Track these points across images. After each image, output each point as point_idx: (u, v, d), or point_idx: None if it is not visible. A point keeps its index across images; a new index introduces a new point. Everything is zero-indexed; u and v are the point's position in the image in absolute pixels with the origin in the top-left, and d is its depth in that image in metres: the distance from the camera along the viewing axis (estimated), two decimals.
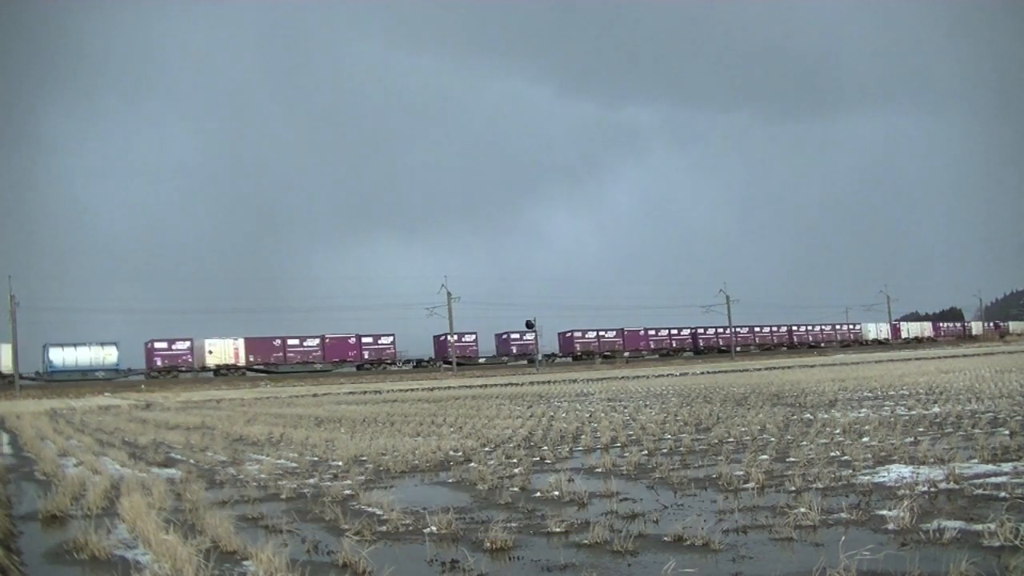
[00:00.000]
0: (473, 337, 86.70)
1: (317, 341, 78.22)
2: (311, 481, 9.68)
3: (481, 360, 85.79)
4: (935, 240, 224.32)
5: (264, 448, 13.87)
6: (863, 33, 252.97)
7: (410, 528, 6.70)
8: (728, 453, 10.03)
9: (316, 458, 11.91)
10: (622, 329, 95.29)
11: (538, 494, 7.98)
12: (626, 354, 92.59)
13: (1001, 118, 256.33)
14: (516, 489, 8.30)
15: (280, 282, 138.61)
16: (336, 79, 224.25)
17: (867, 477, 7.84)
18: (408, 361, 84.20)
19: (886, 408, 15.47)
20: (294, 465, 11.28)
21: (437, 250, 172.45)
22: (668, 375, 47.80)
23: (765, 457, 9.48)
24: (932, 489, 7.02)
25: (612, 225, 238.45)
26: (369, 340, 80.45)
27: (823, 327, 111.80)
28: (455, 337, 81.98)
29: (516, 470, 9.52)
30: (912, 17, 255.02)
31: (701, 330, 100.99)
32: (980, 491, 6.83)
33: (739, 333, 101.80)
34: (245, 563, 5.65)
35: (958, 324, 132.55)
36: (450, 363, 79.83)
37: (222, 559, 5.72)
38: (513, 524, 6.58)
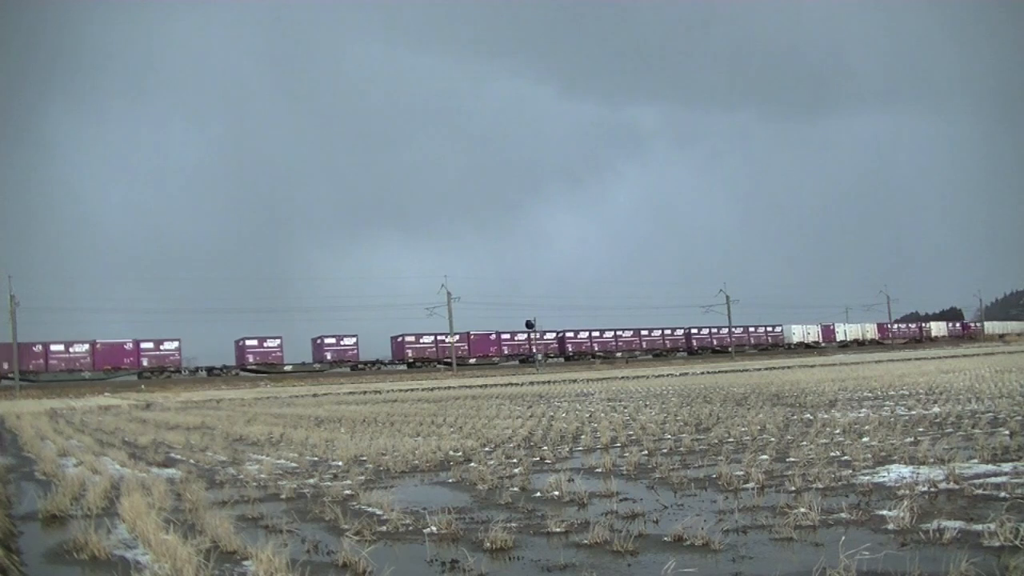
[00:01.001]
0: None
1: (87, 347, 70.16)
2: (311, 481, 9.68)
3: (287, 367, 77.32)
4: (935, 240, 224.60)
5: (264, 448, 13.87)
6: (865, 33, 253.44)
7: (410, 528, 6.70)
8: (728, 453, 10.03)
9: (316, 458, 11.91)
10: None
11: (538, 494, 7.98)
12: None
13: (1002, 118, 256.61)
14: (516, 489, 8.30)
15: (281, 282, 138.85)
16: (339, 79, 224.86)
17: (867, 477, 7.84)
18: (197, 369, 76.43)
19: (886, 408, 15.47)
20: (294, 465, 11.28)
21: (438, 250, 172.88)
22: (668, 375, 47.80)
23: (765, 457, 9.48)
24: (932, 489, 7.02)
25: (614, 225, 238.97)
26: (149, 346, 72.60)
27: (734, 330, 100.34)
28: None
29: (516, 470, 9.52)
30: (914, 17, 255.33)
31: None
32: (980, 491, 6.83)
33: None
34: (245, 563, 5.65)
35: (913, 325, 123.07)
36: (250, 371, 75.61)
37: (222, 559, 5.72)
38: (513, 524, 6.58)
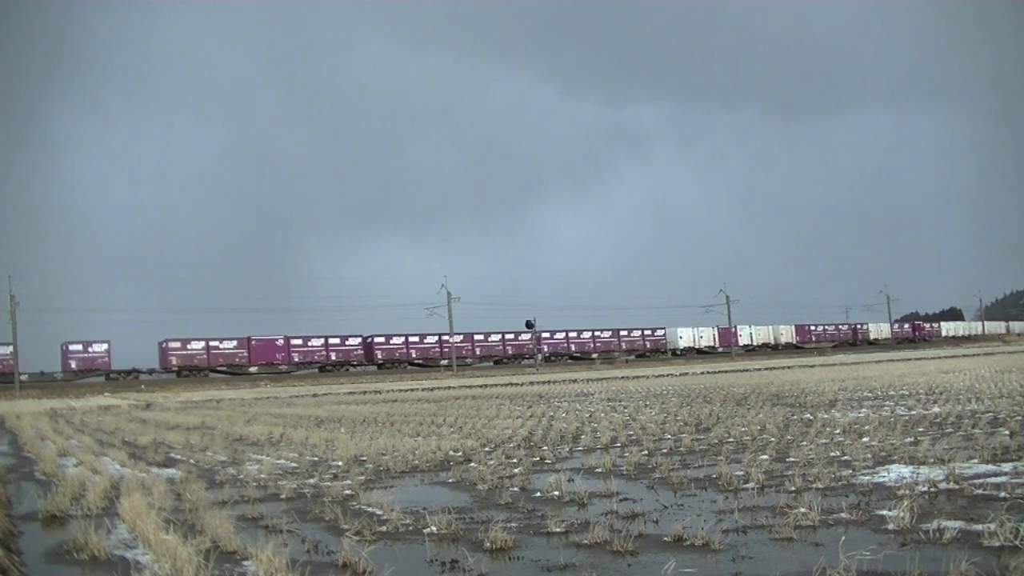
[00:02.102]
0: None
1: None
2: (311, 481, 9.68)
3: (23, 376, 66.04)
4: (936, 240, 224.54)
5: (264, 448, 13.87)
6: (867, 33, 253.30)
7: (410, 528, 6.70)
8: (728, 453, 10.03)
9: (316, 458, 11.91)
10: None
11: (538, 494, 7.98)
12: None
13: (1002, 118, 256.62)
14: (516, 489, 8.30)
15: (283, 282, 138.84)
16: (341, 80, 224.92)
17: (867, 477, 7.84)
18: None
19: (886, 408, 15.47)
20: (294, 465, 11.28)
21: (440, 250, 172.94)
22: (668, 375, 47.80)
23: (765, 457, 9.48)
24: (932, 489, 7.02)
25: (615, 225, 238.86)
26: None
27: (599, 334, 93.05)
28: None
29: (516, 470, 9.52)
30: (915, 17, 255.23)
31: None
32: (980, 491, 6.83)
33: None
34: (245, 563, 5.65)
35: (845, 326, 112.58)
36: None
37: (222, 559, 5.72)
38: (513, 524, 6.58)
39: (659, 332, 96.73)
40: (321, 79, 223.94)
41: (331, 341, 78.98)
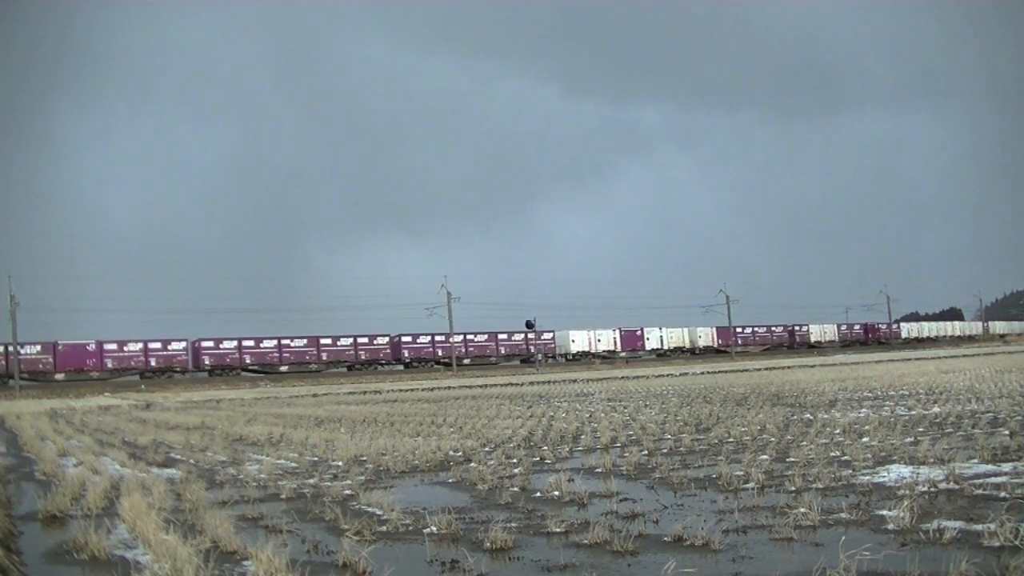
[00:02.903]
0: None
1: None
2: (311, 481, 9.68)
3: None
4: (936, 240, 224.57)
5: (264, 448, 13.87)
6: (869, 34, 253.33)
7: (410, 528, 6.70)
8: (728, 453, 10.03)
9: (316, 458, 11.91)
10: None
11: (538, 494, 7.98)
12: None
13: (1003, 119, 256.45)
14: (516, 489, 8.30)
15: (285, 282, 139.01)
16: (344, 80, 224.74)
17: (867, 477, 7.84)
18: None
19: (886, 408, 15.47)
20: (294, 465, 11.28)
21: (442, 249, 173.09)
22: (668, 375, 47.80)
23: (765, 457, 9.49)
24: (932, 489, 7.02)
25: (617, 225, 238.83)
26: None
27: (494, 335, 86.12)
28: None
29: (516, 470, 9.52)
30: (916, 18, 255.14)
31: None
32: (980, 491, 6.83)
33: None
34: (245, 563, 5.65)
35: (780, 328, 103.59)
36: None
37: (222, 559, 5.72)
38: (513, 524, 6.58)
39: (548, 336, 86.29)
40: (323, 79, 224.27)
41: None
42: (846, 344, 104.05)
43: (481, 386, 44.18)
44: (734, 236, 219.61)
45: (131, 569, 5.53)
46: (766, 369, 50.31)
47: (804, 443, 10.49)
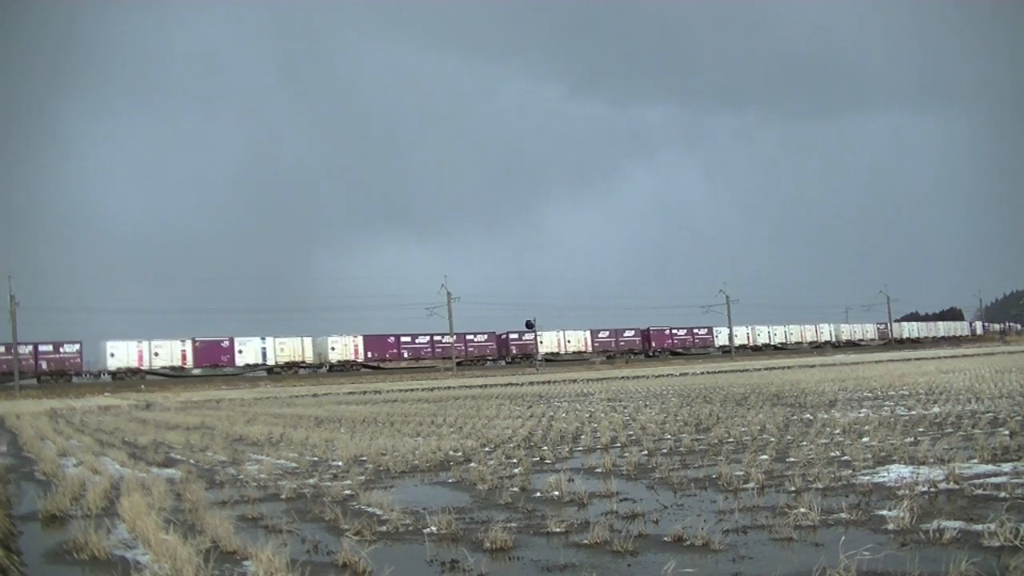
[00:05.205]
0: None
1: None
2: (311, 481, 9.68)
3: None
4: (936, 240, 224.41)
5: (264, 448, 13.87)
6: (870, 34, 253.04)
7: (410, 528, 6.70)
8: (728, 453, 10.02)
9: (316, 458, 11.90)
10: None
11: (538, 494, 7.98)
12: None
13: (1003, 119, 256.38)
14: (516, 489, 8.30)
15: (286, 283, 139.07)
16: (348, 80, 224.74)
17: (867, 477, 7.84)
18: None
19: (886, 408, 15.46)
20: (294, 465, 11.28)
21: (446, 249, 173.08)
22: (668, 375, 47.81)
23: (765, 457, 9.48)
24: (932, 489, 7.01)
25: (620, 225, 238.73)
26: None
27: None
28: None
29: (516, 470, 9.52)
30: (917, 18, 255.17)
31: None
32: (980, 491, 6.82)
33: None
34: (245, 563, 5.65)
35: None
36: None
37: (222, 559, 5.72)
38: (513, 524, 6.58)
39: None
40: (329, 79, 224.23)
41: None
42: (610, 356, 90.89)
43: (481, 386, 44.18)
44: (735, 235, 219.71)
45: (131, 569, 5.53)
46: (766, 369, 50.32)
47: (804, 443, 10.49)
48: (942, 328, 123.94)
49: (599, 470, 9.32)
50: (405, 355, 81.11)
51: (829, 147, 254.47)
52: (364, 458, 11.59)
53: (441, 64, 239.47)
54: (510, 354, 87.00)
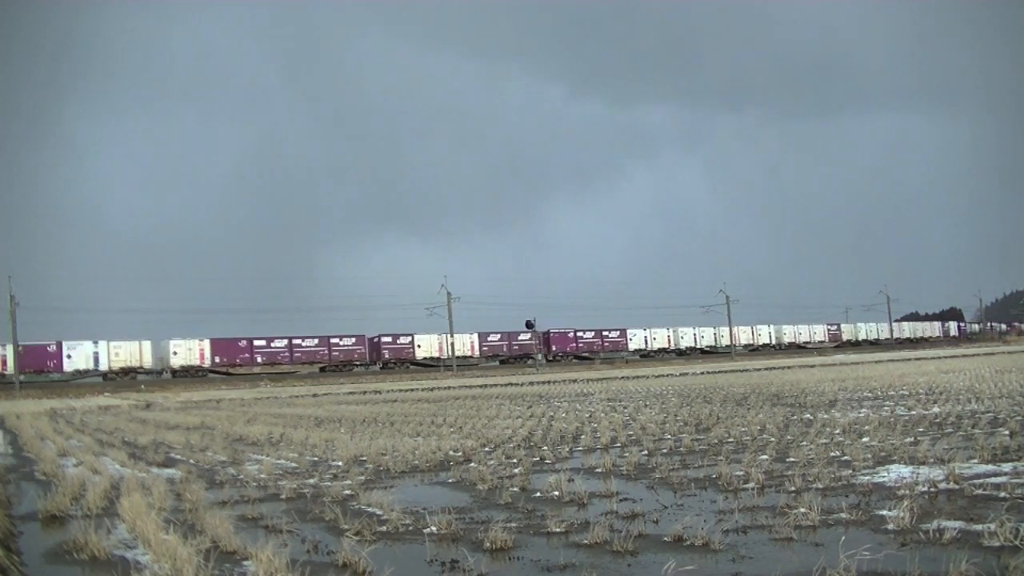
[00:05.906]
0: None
1: None
2: (311, 481, 9.68)
3: None
4: (936, 240, 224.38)
5: (264, 448, 13.87)
6: (871, 34, 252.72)
7: (410, 528, 6.70)
8: (728, 453, 10.02)
9: (316, 458, 11.90)
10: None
11: (538, 494, 7.98)
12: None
13: (1004, 119, 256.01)
14: (516, 489, 8.30)
15: (287, 282, 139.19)
16: (352, 80, 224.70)
17: (867, 477, 7.84)
18: None
19: (886, 408, 15.47)
20: (294, 465, 11.28)
21: (446, 249, 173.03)
22: (668, 375, 47.81)
23: (765, 457, 9.48)
24: (932, 489, 7.02)
25: (621, 225, 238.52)
26: None
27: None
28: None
29: (516, 470, 9.52)
30: (918, 18, 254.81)
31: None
32: (980, 491, 6.82)
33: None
34: (245, 563, 5.65)
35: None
36: None
37: (222, 559, 5.72)
38: (513, 524, 6.58)
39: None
40: (332, 79, 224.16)
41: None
42: (503, 362, 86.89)
43: (481, 386, 44.18)
44: (736, 235, 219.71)
45: (131, 569, 5.53)
46: (766, 369, 50.32)
47: (804, 443, 10.49)
48: (907, 329, 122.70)
49: (599, 470, 9.32)
50: (259, 359, 75.42)
51: (829, 147, 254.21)
52: (364, 458, 11.59)
53: (442, 64, 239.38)
54: (381, 359, 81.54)
